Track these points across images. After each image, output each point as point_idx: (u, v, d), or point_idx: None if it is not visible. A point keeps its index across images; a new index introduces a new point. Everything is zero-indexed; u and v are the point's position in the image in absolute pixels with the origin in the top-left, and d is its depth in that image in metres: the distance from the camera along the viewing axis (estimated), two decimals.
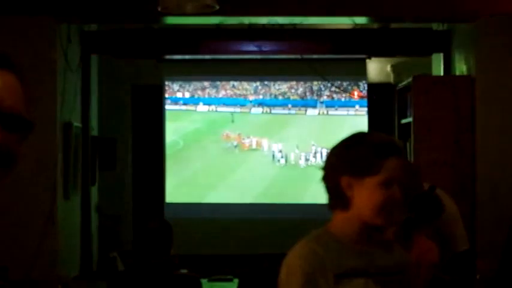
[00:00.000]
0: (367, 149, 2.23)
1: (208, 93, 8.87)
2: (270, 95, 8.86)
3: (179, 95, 8.82)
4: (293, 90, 8.81)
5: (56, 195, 5.96)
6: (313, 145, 8.56)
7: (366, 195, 2.23)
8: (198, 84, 8.79)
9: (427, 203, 4.53)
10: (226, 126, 8.84)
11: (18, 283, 5.58)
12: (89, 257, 6.96)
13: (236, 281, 5.76)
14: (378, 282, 2.23)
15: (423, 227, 4.36)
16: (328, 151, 2.35)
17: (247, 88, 8.89)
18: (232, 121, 8.85)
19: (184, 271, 4.24)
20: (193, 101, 8.82)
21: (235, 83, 8.83)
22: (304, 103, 8.79)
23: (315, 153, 8.54)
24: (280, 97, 8.85)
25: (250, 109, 8.84)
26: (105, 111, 7.94)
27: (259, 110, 8.87)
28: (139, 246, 3.96)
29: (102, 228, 7.54)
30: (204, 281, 4.46)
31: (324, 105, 8.73)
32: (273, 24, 6.85)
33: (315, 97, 8.77)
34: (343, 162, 2.25)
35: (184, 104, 8.85)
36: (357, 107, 8.60)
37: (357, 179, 2.23)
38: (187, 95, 8.85)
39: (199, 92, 8.82)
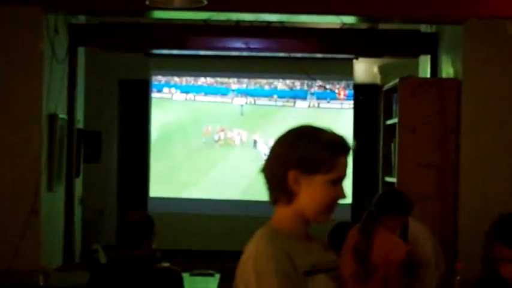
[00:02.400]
0: (321, 146, 2.14)
1: (186, 80, 8.24)
2: (255, 84, 8.27)
3: (153, 80, 8.12)
4: (281, 80, 8.23)
5: (40, 186, 5.93)
6: None
7: (313, 192, 2.15)
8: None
9: (392, 199, 4.64)
10: (205, 118, 8.30)
11: (1, 273, 5.56)
12: (71, 249, 6.94)
13: (217, 276, 5.77)
14: (332, 278, 2.19)
15: (385, 220, 4.47)
16: (275, 141, 2.22)
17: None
18: (212, 112, 8.23)
19: (166, 265, 4.24)
20: (169, 87, 8.29)
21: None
22: (293, 94, 8.24)
23: None
24: (266, 87, 8.26)
25: (232, 99, 8.30)
26: (91, 104, 7.91)
27: (242, 100, 8.26)
28: (121, 239, 3.95)
29: (85, 221, 7.51)
30: (185, 275, 4.46)
31: (314, 97, 8.27)
32: (261, 22, 6.84)
33: (305, 88, 8.21)
34: (293, 156, 2.14)
35: (158, 91, 8.27)
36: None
37: (306, 175, 2.14)
38: (161, 81, 8.21)
39: (176, 79, 8.15)
